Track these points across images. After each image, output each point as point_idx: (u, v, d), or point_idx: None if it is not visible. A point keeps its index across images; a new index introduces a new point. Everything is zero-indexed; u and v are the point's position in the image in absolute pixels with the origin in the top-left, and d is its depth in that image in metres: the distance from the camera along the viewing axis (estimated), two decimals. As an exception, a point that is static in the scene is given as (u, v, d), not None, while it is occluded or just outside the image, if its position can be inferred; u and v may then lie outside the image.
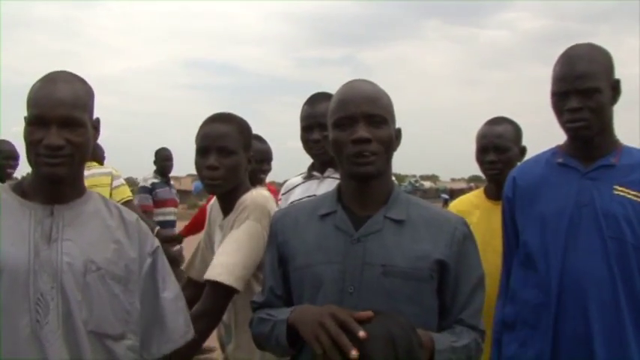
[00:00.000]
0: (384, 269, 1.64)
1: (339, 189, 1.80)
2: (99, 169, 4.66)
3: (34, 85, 1.67)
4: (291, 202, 2.65)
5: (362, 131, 1.65)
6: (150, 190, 6.53)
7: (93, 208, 1.75)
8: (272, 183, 6.61)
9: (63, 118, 1.61)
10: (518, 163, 2.67)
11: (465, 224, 1.76)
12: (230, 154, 2.16)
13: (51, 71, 1.70)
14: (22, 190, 1.71)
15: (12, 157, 4.81)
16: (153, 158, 6.84)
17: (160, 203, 6.57)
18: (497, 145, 2.76)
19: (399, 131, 1.77)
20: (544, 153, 2.31)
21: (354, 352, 1.42)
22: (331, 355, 1.46)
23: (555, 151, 2.25)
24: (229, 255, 2.08)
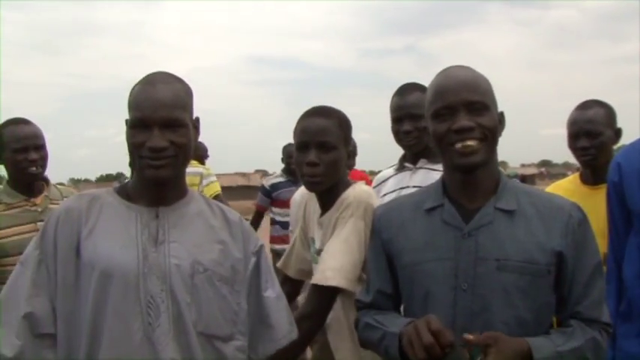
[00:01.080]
0: (498, 264, 1.57)
1: (443, 181, 1.73)
2: (190, 169, 4.73)
3: (133, 88, 1.67)
4: (384, 195, 2.60)
5: (463, 120, 1.58)
6: (267, 192, 5.97)
7: (196, 209, 1.74)
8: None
9: (165, 120, 1.60)
10: (615, 147, 2.60)
11: (580, 209, 1.66)
12: (330, 149, 2.10)
13: (150, 73, 1.69)
14: (126, 193, 1.72)
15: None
16: (281, 155, 6.15)
17: (280, 203, 5.87)
18: (589, 130, 2.68)
19: (501, 115, 1.69)
20: None
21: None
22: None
23: None
24: (339, 256, 2.03)
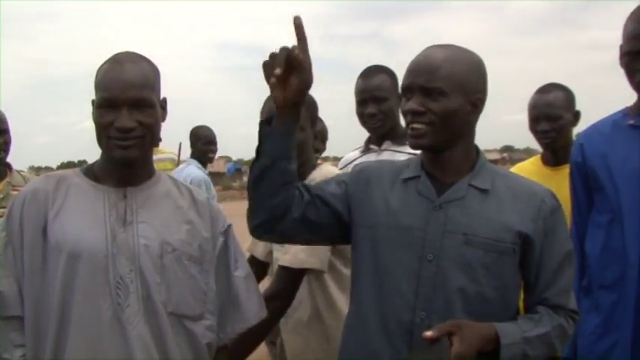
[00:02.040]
0: (465, 238, 1.58)
1: (422, 155, 1.73)
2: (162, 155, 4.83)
3: (100, 68, 1.65)
4: None
5: (413, 103, 1.61)
6: None
7: (164, 189, 1.74)
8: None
9: (133, 100, 1.59)
10: (574, 128, 2.71)
11: (554, 197, 1.67)
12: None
13: (116, 52, 1.68)
14: (93, 173, 1.71)
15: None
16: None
17: None
18: (549, 114, 2.75)
19: (478, 100, 1.65)
20: (611, 116, 2.26)
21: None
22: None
23: (625, 113, 2.19)
24: None
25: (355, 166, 1.85)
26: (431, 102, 1.59)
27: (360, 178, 1.75)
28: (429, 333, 1.49)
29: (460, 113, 1.62)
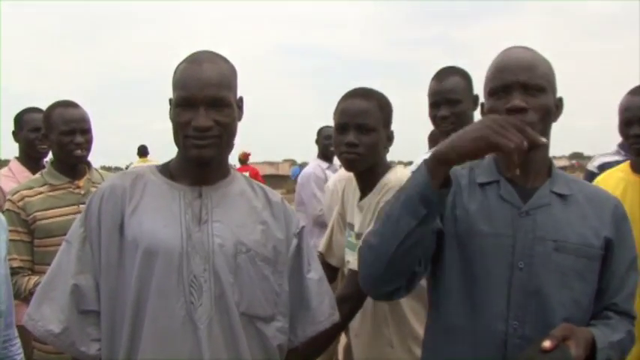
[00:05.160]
0: (556, 244, 1.57)
1: (495, 159, 1.70)
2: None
3: (178, 67, 1.66)
4: None
5: (517, 100, 1.56)
6: None
7: (239, 189, 1.74)
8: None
9: (211, 99, 1.59)
10: None
11: (622, 205, 1.69)
12: (370, 131, 2.08)
13: (194, 51, 1.69)
14: (169, 172, 1.72)
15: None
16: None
17: None
18: None
19: (560, 100, 1.68)
20: None
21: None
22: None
23: None
24: None
25: None
26: (531, 98, 1.58)
27: None
28: (547, 343, 1.44)
29: (551, 111, 1.63)
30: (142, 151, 11.92)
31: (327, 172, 4.86)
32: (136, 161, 11.69)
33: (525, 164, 1.59)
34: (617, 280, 1.64)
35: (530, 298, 1.56)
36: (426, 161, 1.48)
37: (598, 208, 1.64)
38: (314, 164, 5.07)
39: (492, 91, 1.63)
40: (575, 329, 1.49)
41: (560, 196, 1.63)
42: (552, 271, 1.56)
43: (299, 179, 5.14)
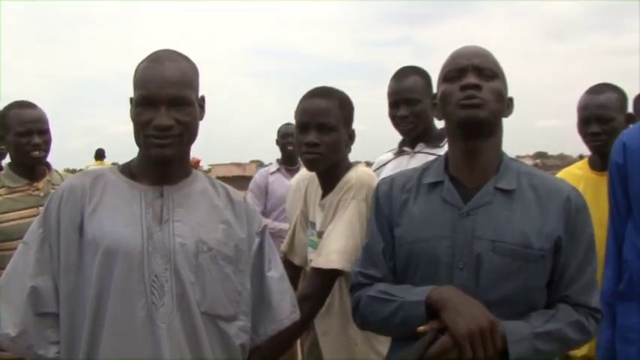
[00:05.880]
0: (493, 245, 1.59)
1: (446, 157, 1.75)
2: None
3: (139, 66, 1.65)
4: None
5: (471, 78, 1.63)
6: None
7: (200, 188, 1.73)
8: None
9: (172, 98, 1.58)
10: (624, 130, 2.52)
11: (580, 195, 1.68)
12: (331, 130, 2.09)
13: (156, 50, 1.68)
14: (130, 171, 1.71)
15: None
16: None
17: None
18: (600, 115, 2.64)
19: (511, 100, 1.72)
20: None
21: None
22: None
23: None
24: (343, 239, 2.02)
25: (377, 186, 1.85)
26: (484, 81, 1.64)
27: (384, 202, 1.77)
28: (421, 327, 1.54)
29: (504, 98, 1.68)
30: (99, 154, 11.86)
31: (274, 176, 4.77)
32: (91, 164, 11.62)
33: (471, 157, 1.67)
34: (570, 272, 1.64)
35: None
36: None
37: (546, 203, 1.64)
38: (263, 169, 5.00)
39: (446, 76, 1.68)
40: (491, 324, 1.51)
41: (505, 192, 1.64)
42: (487, 271, 1.59)
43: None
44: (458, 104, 1.62)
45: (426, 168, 1.78)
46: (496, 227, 1.60)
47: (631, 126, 2.49)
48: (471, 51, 1.69)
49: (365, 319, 1.77)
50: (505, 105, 1.69)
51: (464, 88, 1.62)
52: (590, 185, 2.65)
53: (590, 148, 2.74)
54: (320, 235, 2.17)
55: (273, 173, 4.82)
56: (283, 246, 2.49)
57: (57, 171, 2.91)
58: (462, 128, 1.64)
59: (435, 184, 1.70)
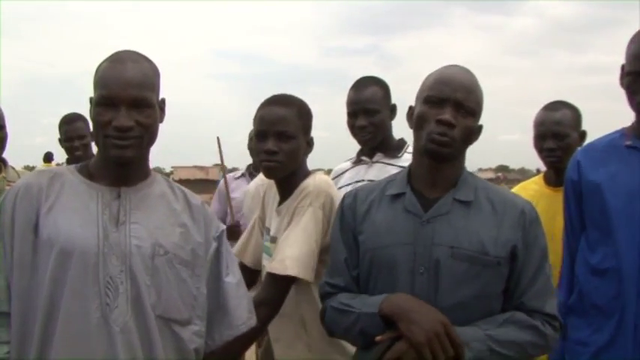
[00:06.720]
0: (452, 251, 1.66)
1: (409, 171, 1.82)
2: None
3: (100, 65, 1.64)
4: (340, 187, 2.62)
5: (448, 115, 1.67)
6: None
7: (159, 191, 1.72)
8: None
9: (133, 99, 1.58)
10: (579, 148, 2.60)
11: (533, 208, 1.77)
12: (289, 138, 2.09)
13: (117, 51, 1.67)
14: (87, 171, 1.69)
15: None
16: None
17: None
18: (556, 131, 2.70)
19: (480, 128, 1.80)
20: (609, 135, 2.25)
21: None
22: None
23: (623, 133, 2.18)
24: (297, 246, 2.02)
25: (343, 200, 1.92)
26: (460, 118, 1.69)
27: (349, 214, 1.84)
28: (379, 337, 1.61)
29: (473, 134, 1.76)
30: (48, 157, 11.71)
31: (237, 181, 4.72)
32: (39, 166, 11.47)
33: (434, 174, 1.75)
34: (524, 281, 1.71)
35: (430, 301, 1.64)
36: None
37: (501, 214, 1.71)
38: (231, 174, 4.95)
39: (428, 99, 1.72)
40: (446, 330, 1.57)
41: (462, 202, 1.72)
42: (446, 276, 1.66)
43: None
44: (429, 137, 1.69)
45: (390, 180, 1.86)
46: (454, 234, 1.68)
47: (585, 143, 2.57)
48: (458, 81, 1.72)
49: (330, 330, 1.85)
50: (473, 138, 1.78)
51: (439, 122, 1.68)
52: (545, 200, 2.71)
53: (546, 163, 2.80)
54: (273, 240, 2.17)
55: (237, 178, 4.79)
56: (236, 248, 2.48)
57: (13, 168, 2.86)
58: (427, 156, 1.73)
59: (397, 196, 1.78)
